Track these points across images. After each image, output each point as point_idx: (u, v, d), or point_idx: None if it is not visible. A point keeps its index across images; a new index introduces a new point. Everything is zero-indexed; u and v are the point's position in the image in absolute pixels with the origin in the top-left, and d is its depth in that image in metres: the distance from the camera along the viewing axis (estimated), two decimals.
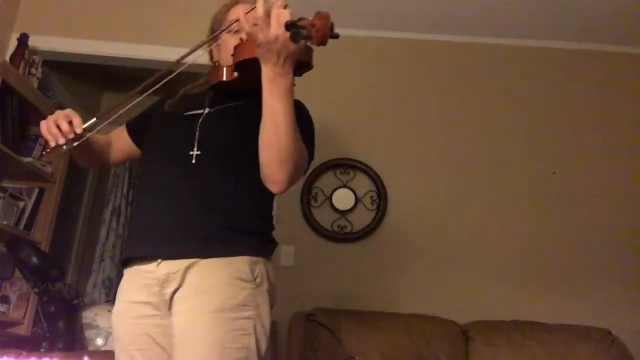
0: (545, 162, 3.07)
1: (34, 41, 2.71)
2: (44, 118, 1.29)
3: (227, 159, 1.34)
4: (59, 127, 1.26)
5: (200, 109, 1.42)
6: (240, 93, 1.38)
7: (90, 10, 2.88)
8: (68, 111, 1.30)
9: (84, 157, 1.51)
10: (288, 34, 1.04)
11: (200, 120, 1.39)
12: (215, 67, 1.40)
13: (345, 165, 3.07)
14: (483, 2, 2.93)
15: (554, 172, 3.05)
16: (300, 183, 2.95)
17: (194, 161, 1.33)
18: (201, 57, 1.57)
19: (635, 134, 3.10)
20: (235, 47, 1.29)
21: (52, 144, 1.27)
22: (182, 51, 1.31)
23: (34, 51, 2.74)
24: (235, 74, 1.31)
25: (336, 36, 1.07)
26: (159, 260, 1.27)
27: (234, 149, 1.35)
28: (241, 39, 1.30)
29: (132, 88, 1.31)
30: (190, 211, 1.29)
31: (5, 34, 2.76)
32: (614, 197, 2.99)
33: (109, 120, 1.34)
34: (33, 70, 2.70)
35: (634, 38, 3.13)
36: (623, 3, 2.84)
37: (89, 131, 1.33)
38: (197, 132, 1.36)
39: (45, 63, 2.80)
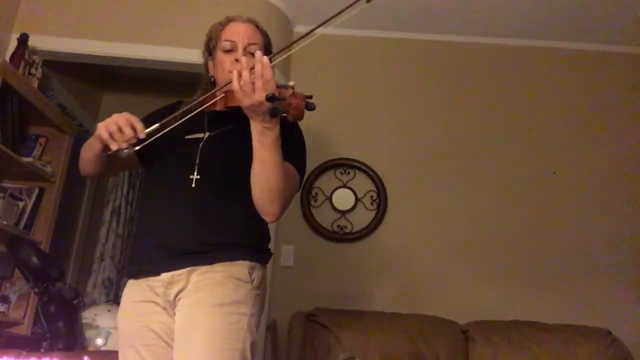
0: (545, 162, 3.07)
1: (34, 41, 2.70)
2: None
3: (225, 183, 1.41)
4: (121, 131, 1.26)
5: (201, 132, 1.47)
6: (239, 113, 1.37)
7: (90, 10, 2.88)
8: (129, 116, 1.29)
9: (99, 165, 1.46)
10: (269, 103, 1.12)
11: (201, 145, 1.44)
12: (209, 96, 1.39)
13: (345, 165, 3.07)
14: (483, 2, 2.93)
15: (554, 172, 3.05)
16: None
17: (193, 185, 1.39)
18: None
19: (635, 133, 3.10)
20: (227, 92, 1.33)
21: (114, 148, 1.27)
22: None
23: (34, 51, 2.73)
24: (227, 108, 1.35)
25: (312, 108, 1.17)
26: (163, 274, 1.34)
27: (232, 174, 1.40)
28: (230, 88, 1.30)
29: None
30: (191, 232, 1.36)
31: (5, 34, 2.75)
32: (614, 197, 2.99)
33: (173, 126, 1.33)
34: (33, 70, 2.69)
35: (634, 38, 3.13)
36: (623, 3, 2.84)
37: (151, 136, 1.31)
38: (197, 157, 1.42)
39: (45, 63, 2.79)
